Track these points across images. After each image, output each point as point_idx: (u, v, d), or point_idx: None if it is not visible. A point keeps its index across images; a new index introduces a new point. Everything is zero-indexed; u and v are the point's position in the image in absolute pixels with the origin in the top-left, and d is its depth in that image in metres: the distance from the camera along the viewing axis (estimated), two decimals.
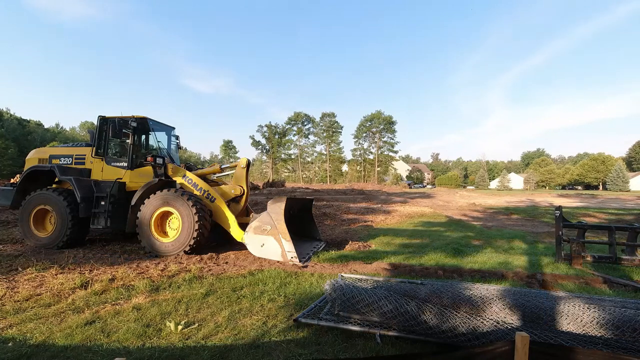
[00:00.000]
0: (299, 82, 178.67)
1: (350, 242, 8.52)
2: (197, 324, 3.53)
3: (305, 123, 78.30)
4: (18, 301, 4.15)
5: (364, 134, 78.12)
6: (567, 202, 26.76)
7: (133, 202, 7.25)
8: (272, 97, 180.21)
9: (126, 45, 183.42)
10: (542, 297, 3.33)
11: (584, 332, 2.78)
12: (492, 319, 2.97)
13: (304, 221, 8.31)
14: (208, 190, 7.52)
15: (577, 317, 2.87)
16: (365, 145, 79.13)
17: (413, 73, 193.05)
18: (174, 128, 9.18)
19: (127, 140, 7.91)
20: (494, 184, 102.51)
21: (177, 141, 9.34)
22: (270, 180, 44.32)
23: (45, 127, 74.98)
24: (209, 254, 6.85)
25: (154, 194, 7.08)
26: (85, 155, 8.08)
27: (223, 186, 8.20)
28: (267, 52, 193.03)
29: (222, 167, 8.33)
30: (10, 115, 64.59)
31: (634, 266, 5.90)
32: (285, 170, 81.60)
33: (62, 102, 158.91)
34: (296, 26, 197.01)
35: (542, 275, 5.25)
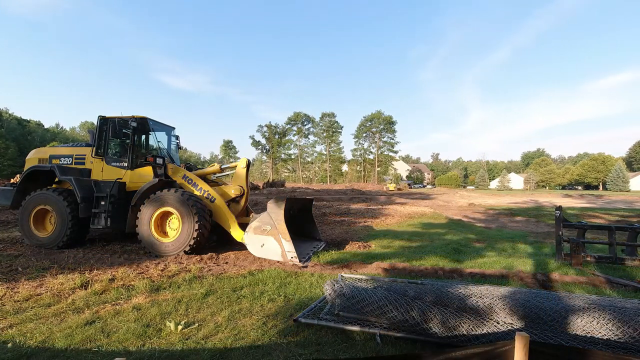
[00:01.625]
0: (284, 82, 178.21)
1: (350, 242, 8.52)
2: (197, 324, 3.53)
3: (305, 123, 78.41)
4: (18, 301, 4.16)
5: (364, 134, 78.19)
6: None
7: (133, 202, 7.25)
8: (258, 95, 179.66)
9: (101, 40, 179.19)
10: (542, 297, 3.33)
11: (583, 332, 2.78)
12: (492, 319, 2.97)
13: (304, 221, 8.31)
14: (208, 191, 7.52)
15: (577, 317, 2.87)
16: (366, 145, 79.27)
17: (399, 73, 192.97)
18: (174, 128, 9.18)
19: (127, 140, 7.91)
20: (494, 184, 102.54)
21: (177, 141, 9.34)
22: (270, 180, 44.32)
23: (45, 127, 75.01)
24: (209, 254, 6.85)
25: (154, 194, 7.08)
26: (85, 155, 8.08)
27: (223, 186, 8.20)
28: (247, 51, 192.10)
29: (222, 167, 8.34)
30: (10, 115, 64.55)
31: (634, 266, 5.89)
32: (285, 170, 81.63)
33: (61, 102, 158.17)
34: (285, 26, 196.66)
35: (542, 276, 5.24)
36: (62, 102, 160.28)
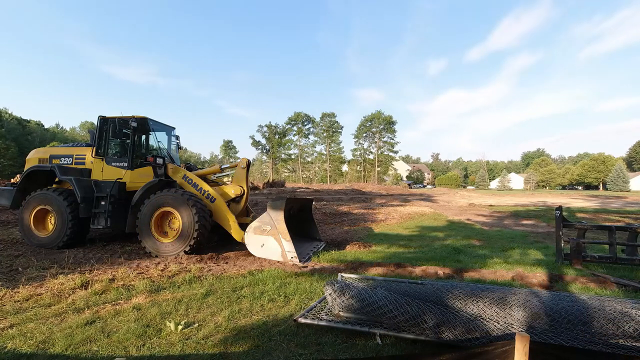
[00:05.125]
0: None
1: (350, 243, 8.52)
2: (197, 324, 3.53)
3: (306, 123, 78.35)
4: (18, 301, 4.16)
5: (364, 134, 78.16)
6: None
7: (133, 202, 7.25)
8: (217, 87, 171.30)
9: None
10: (542, 297, 3.33)
11: (583, 332, 2.78)
12: (492, 319, 2.97)
13: (304, 221, 8.31)
14: (208, 191, 7.53)
15: (577, 317, 2.87)
16: (366, 145, 79.25)
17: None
18: (174, 128, 9.19)
19: (127, 140, 7.91)
20: (494, 184, 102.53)
21: (177, 141, 9.35)
22: (271, 181, 44.30)
23: (45, 127, 74.98)
24: (209, 254, 6.84)
25: (154, 194, 7.08)
26: (85, 155, 8.08)
27: (223, 186, 8.21)
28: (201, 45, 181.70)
29: (222, 167, 8.35)
30: (10, 115, 64.51)
31: (634, 266, 5.89)
32: (286, 170, 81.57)
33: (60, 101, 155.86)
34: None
35: (543, 276, 5.24)
36: (62, 102, 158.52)
